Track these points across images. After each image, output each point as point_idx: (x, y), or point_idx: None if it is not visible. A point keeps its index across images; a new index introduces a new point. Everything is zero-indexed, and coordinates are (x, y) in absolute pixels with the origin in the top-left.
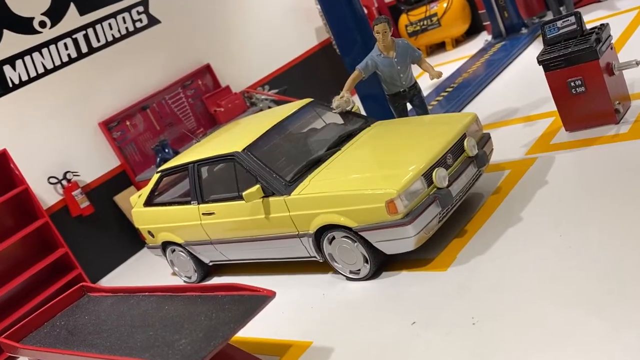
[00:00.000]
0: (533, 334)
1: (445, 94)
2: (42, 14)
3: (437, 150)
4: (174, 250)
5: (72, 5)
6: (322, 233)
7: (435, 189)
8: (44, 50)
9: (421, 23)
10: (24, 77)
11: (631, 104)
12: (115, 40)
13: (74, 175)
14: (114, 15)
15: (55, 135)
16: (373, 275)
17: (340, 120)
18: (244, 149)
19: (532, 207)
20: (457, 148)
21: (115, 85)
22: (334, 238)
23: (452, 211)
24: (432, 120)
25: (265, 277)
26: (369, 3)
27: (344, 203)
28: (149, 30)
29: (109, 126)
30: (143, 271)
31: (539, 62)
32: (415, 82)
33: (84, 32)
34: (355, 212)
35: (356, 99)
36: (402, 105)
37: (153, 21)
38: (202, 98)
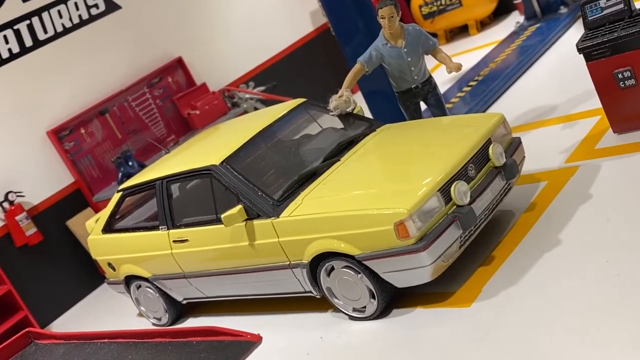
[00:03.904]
0: None
1: (467, 88)
2: None
3: (456, 160)
4: (140, 286)
5: None
6: (318, 263)
7: (454, 207)
8: None
9: (438, 3)
10: None
11: None
12: (67, 31)
13: (18, 196)
14: (64, 0)
15: None
16: (381, 313)
17: (339, 124)
18: (222, 162)
19: (573, 227)
20: (481, 156)
21: (67, 85)
22: (333, 269)
23: (476, 234)
24: (451, 122)
25: (250, 318)
26: None
27: (344, 226)
28: (107, 18)
29: (59, 135)
30: (102, 312)
31: (579, 50)
32: (430, 77)
33: (27, 21)
34: (359, 237)
35: (359, 97)
36: (414, 104)
37: (112, 7)
38: (173, 99)
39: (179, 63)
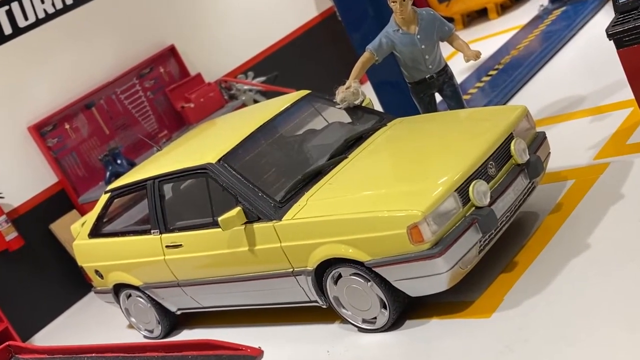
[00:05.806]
0: None
1: (487, 78)
2: None
3: (475, 157)
4: (130, 296)
5: None
6: (324, 270)
7: (473, 208)
8: None
9: None
10: None
11: None
12: (49, 17)
13: None
14: None
15: None
16: (393, 324)
17: (346, 119)
18: (219, 160)
19: (603, 230)
20: (502, 153)
21: (49, 76)
22: (340, 276)
23: (497, 237)
24: (469, 116)
25: (250, 330)
26: None
27: (352, 230)
28: (93, 3)
29: (42, 131)
30: (89, 324)
31: (609, 36)
32: (446, 66)
33: (6, 7)
34: (368, 242)
35: (368, 89)
36: (428, 96)
37: None
38: (166, 91)
39: (171, 52)
